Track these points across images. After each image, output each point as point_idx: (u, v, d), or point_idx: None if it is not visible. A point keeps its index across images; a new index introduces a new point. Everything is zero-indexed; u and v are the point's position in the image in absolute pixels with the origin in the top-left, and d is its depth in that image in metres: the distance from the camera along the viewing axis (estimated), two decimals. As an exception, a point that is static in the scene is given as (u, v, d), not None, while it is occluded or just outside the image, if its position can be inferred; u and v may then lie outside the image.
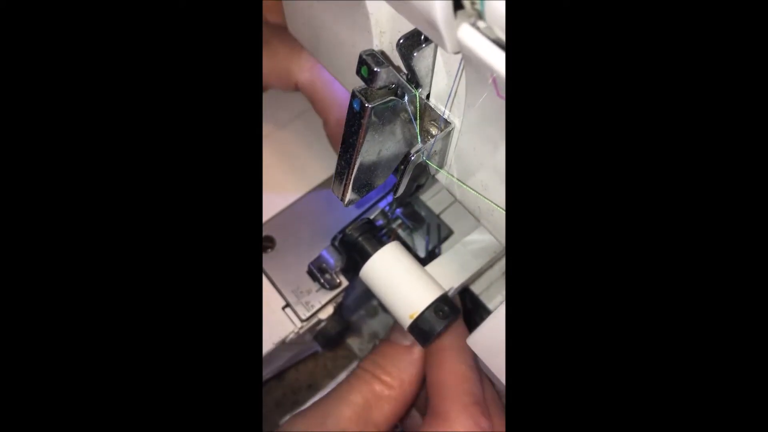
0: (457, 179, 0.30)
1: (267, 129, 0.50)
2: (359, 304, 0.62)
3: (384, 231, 0.45)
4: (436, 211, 0.48)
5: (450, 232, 0.47)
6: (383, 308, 0.65)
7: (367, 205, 0.47)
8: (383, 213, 0.46)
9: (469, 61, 0.23)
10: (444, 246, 0.47)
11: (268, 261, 0.45)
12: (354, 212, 0.47)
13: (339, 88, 0.44)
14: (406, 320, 0.36)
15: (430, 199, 0.49)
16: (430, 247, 0.47)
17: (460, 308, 0.36)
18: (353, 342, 0.64)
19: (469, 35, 0.21)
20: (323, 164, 0.49)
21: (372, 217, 0.43)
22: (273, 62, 0.43)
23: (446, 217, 0.48)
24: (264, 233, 0.46)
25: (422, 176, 0.40)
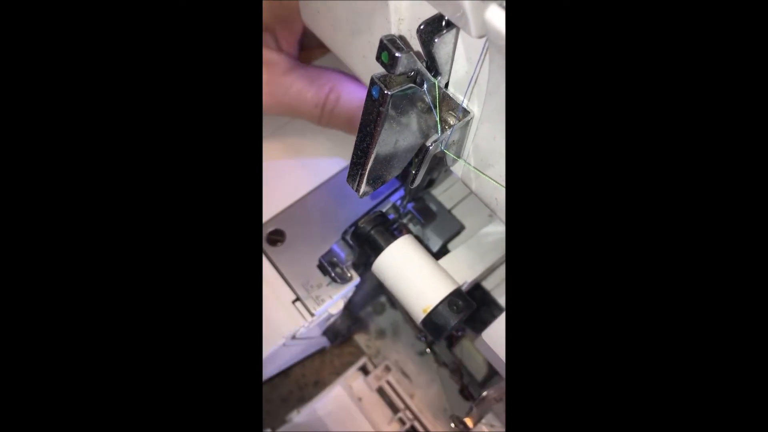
0: (475, 168, 0.30)
1: (279, 121, 0.50)
2: (367, 300, 0.62)
3: (395, 225, 0.45)
4: (448, 206, 0.47)
5: (461, 228, 0.47)
6: (391, 305, 0.64)
7: (378, 199, 0.46)
8: (394, 207, 0.46)
9: (495, 45, 0.22)
10: (455, 241, 0.46)
11: (278, 255, 0.44)
12: (364, 206, 0.46)
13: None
14: (420, 314, 0.35)
15: (442, 194, 0.48)
16: (442, 243, 0.46)
17: (474, 303, 0.36)
18: (360, 339, 0.63)
19: (497, 17, 0.20)
20: (334, 158, 0.49)
21: (383, 211, 0.43)
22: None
23: (457, 213, 0.47)
24: (274, 227, 0.45)
25: (435, 170, 0.39)
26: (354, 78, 0.44)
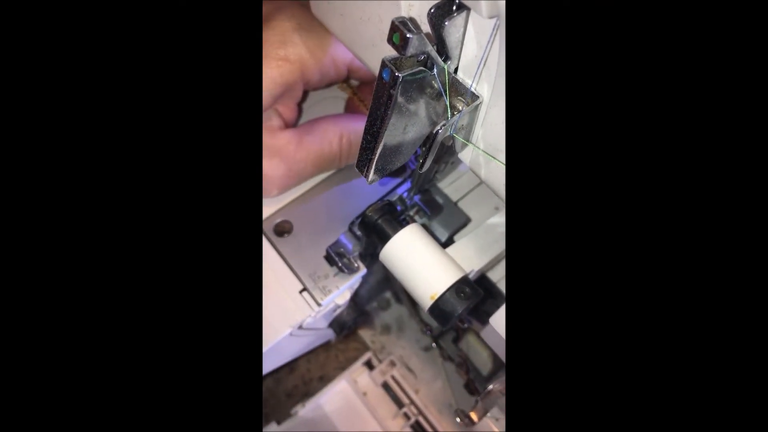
0: (484, 151, 0.30)
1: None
2: (372, 294, 0.62)
3: (402, 217, 0.45)
4: (454, 198, 0.48)
5: (467, 220, 0.47)
6: (396, 300, 0.64)
7: (385, 191, 0.47)
8: (401, 199, 0.46)
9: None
10: (461, 234, 0.47)
11: (286, 245, 0.44)
12: (372, 198, 0.47)
13: None
14: (427, 301, 0.35)
15: (448, 186, 0.48)
16: (448, 235, 0.46)
17: (482, 291, 0.36)
18: (365, 334, 0.63)
19: (508, -6, 0.21)
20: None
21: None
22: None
23: (464, 205, 0.48)
24: (282, 218, 0.45)
25: (442, 160, 0.39)
26: (348, 114, 0.47)
